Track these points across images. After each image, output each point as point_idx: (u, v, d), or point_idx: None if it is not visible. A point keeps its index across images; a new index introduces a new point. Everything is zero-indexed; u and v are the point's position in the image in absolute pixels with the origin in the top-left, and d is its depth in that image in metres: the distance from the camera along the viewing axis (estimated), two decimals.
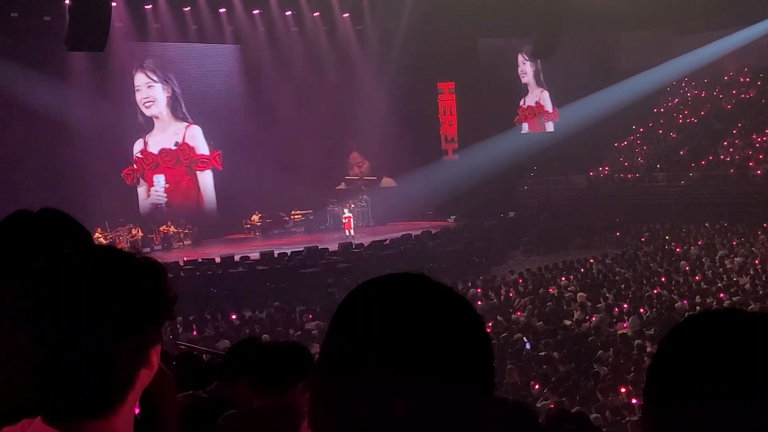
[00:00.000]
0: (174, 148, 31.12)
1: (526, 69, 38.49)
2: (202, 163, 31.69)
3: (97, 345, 1.21)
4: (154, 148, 30.71)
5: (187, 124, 31.38)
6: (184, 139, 31.34)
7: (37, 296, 1.22)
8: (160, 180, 30.60)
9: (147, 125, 30.69)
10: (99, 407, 1.24)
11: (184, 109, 31.20)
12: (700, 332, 1.05)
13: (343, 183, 34.69)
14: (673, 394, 1.02)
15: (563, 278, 21.07)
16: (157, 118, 30.81)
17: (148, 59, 30.53)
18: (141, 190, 30.55)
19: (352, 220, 28.92)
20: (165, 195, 30.71)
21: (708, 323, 1.06)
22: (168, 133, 31.03)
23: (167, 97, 30.89)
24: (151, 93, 30.55)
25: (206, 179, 31.97)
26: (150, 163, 30.57)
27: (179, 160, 31.28)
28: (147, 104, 30.48)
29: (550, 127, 38.97)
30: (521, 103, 38.87)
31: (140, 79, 30.40)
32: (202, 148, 31.69)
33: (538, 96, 39.03)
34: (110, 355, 1.22)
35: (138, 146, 30.45)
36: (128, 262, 1.29)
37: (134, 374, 1.27)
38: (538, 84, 38.96)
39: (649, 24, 37.80)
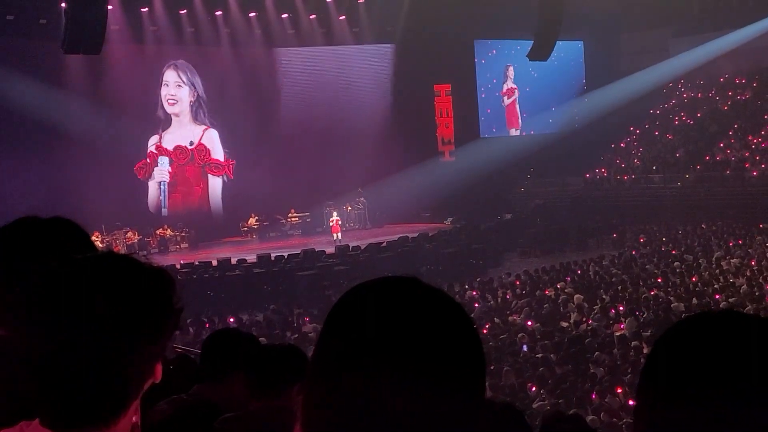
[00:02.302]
0: (190, 147, 31.60)
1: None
2: (217, 168, 32.13)
3: (116, 353, 1.21)
4: (168, 145, 31.15)
5: (205, 127, 31.83)
6: (200, 140, 31.82)
7: (55, 299, 1.22)
8: (164, 161, 30.88)
9: (165, 122, 31.12)
10: (105, 415, 1.23)
11: (205, 115, 31.75)
12: (695, 333, 1.05)
13: None
14: (667, 394, 1.02)
15: (560, 280, 21.07)
16: (176, 116, 31.31)
17: (181, 60, 31.03)
18: (152, 184, 30.79)
19: (339, 223, 28.93)
20: (168, 176, 30.95)
21: (702, 324, 1.06)
22: (184, 132, 31.52)
23: (191, 101, 31.44)
24: (177, 92, 31.16)
25: (216, 184, 32.35)
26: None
27: (194, 159, 31.69)
28: (170, 101, 31.06)
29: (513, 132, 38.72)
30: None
31: (171, 76, 31.01)
32: (218, 152, 32.17)
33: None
34: (126, 364, 1.22)
35: (153, 141, 30.86)
36: (145, 272, 1.28)
37: (142, 385, 1.27)
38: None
39: (646, 26, 37.89)
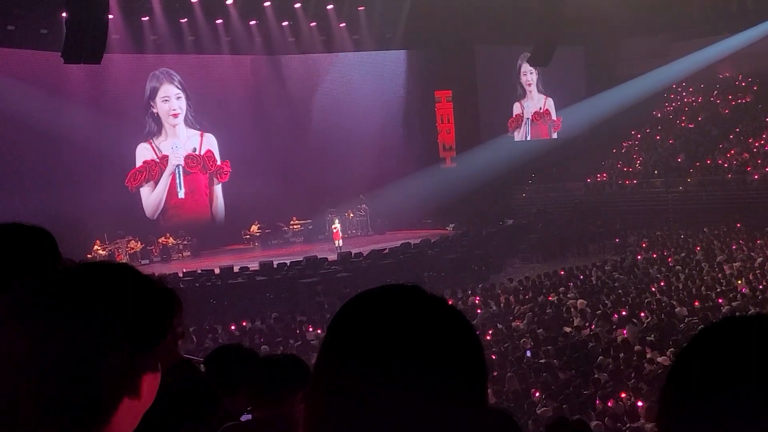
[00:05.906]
0: (200, 154, 31.52)
1: (532, 78, 38.42)
2: (222, 174, 32.05)
3: (88, 355, 1.17)
4: (168, 152, 30.78)
5: (200, 132, 31.67)
6: (201, 145, 31.66)
7: (42, 303, 1.19)
8: (178, 144, 30.74)
9: (155, 130, 30.76)
10: (82, 422, 1.18)
11: (193, 118, 31.55)
12: (722, 339, 1.05)
13: None
14: (692, 400, 1.02)
15: (562, 286, 21.05)
16: (174, 126, 31.11)
17: (162, 68, 30.82)
18: (145, 190, 30.41)
19: (340, 231, 28.93)
20: (183, 161, 30.88)
21: (728, 329, 1.06)
22: (180, 139, 31.23)
23: (185, 107, 31.41)
24: (179, 104, 31.07)
25: (219, 192, 32.32)
26: (165, 165, 30.68)
27: (206, 167, 31.65)
28: (174, 114, 30.94)
29: (554, 134, 38.97)
30: (516, 110, 38.78)
31: (170, 89, 30.86)
32: (218, 156, 32.16)
33: (542, 103, 38.98)
34: (98, 369, 1.18)
35: (144, 150, 30.42)
36: (138, 282, 1.26)
37: (119, 397, 1.20)
38: (539, 91, 38.95)
39: (646, 31, 37.94)
